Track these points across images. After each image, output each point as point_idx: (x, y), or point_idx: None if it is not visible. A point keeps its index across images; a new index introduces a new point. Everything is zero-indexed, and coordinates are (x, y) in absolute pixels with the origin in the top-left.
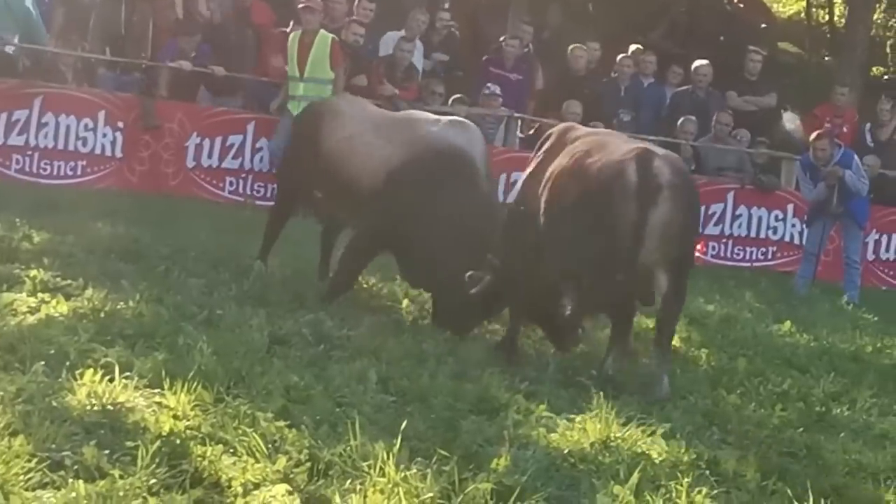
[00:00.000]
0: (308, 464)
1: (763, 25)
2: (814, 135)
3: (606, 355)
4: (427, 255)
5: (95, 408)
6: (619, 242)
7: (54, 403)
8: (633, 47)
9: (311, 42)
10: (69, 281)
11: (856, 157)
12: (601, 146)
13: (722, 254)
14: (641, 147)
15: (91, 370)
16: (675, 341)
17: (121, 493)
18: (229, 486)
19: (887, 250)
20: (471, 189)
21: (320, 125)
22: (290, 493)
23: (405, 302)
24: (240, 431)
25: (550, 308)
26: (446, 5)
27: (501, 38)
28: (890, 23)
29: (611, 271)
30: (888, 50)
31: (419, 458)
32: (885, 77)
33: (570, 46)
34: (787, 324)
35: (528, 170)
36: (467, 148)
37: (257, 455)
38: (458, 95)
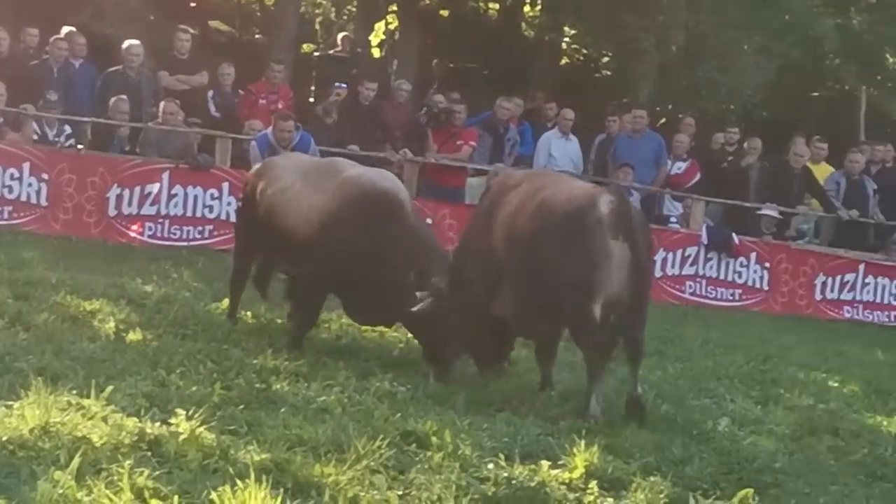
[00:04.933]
0: None
1: (192, 4)
2: (277, 115)
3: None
4: (372, 292)
5: None
6: None
7: None
8: (65, 29)
9: None
10: None
11: (312, 140)
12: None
13: (159, 234)
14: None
15: None
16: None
17: None
18: None
19: None
20: (403, 224)
21: (258, 182)
22: None
23: None
24: None
25: (487, 336)
26: None
27: None
28: (318, 0)
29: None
30: (317, 27)
31: None
32: (316, 54)
33: None
34: (225, 302)
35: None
36: (392, 188)
37: None
38: None
